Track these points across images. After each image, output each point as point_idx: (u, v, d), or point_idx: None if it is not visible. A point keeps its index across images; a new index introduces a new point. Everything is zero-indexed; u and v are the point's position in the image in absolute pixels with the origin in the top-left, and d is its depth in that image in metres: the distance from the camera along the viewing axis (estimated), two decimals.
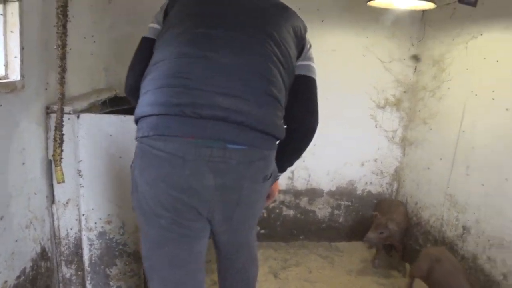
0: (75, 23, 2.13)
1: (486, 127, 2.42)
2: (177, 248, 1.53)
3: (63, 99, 1.87)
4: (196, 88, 1.37)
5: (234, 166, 1.38)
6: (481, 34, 2.49)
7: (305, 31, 1.68)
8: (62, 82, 1.86)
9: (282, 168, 1.71)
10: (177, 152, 1.34)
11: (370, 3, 2.37)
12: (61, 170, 1.93)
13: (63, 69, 1.86)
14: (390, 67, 3.21)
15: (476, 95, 2.52)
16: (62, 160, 1.94)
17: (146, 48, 1.64)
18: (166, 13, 1.63)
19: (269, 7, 1.59)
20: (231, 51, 1.44)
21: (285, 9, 1.63)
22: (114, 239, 2.22)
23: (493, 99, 2.36)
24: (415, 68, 3.24)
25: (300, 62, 1.64)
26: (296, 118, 1.63)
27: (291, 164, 1.77)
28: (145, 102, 1.44)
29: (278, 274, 2.89)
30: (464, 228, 2.56)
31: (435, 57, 2.95)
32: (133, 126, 1.98)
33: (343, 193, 3.44)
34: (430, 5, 2.26)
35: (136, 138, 1.49)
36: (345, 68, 3.17)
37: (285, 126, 1.57)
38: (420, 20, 3.16)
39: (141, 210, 1.50)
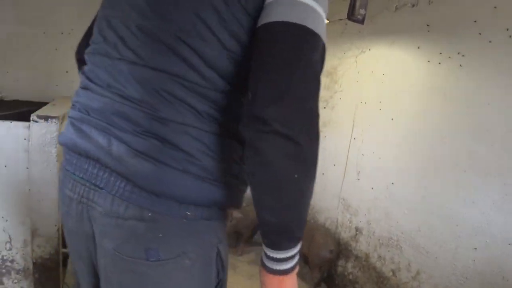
0: None
1: (374, 135, 2.62)
2: None
3: None
4: (81, 116, 1.01)
5: (98, 217, 0.97)
6: (369, 49, 2.70)
7: None
8: None
9: (265, 238, 0.94)
10: (65, 185, 1.05)
11: None
12: None
13: None
14: None
15: (365, 104, 2.72)
16: None
17: None
18: None
19: None
20: (107, 61, 0.99)
21: None
22: (0, 255, 2.04)
23: (380, 109, 2.57)
24: None
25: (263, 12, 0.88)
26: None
27: (270, 227, 0.91)
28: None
29: None
30: (356, 229, 2.74)
31: (328, 69, 3.14)
32: (21, 133, 1.86)
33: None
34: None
35: None
36: None
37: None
38: None
39: None
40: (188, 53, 0.87)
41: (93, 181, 0.95)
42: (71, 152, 1.01)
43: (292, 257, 0.92)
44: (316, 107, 0.85)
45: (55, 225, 2.02)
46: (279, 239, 0.90)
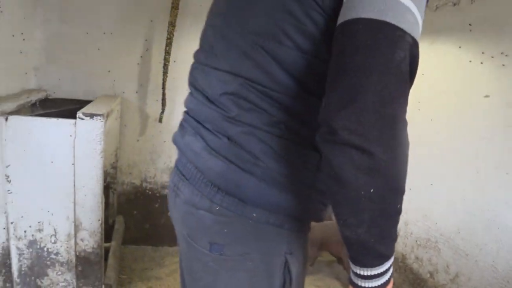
0: (3, 18, 2.03)
1: (413, 135, 2.56)
2: None
3: None
4: (186, 116, 1.13)
5: (180, 204, 1.03)
6: None
7: None
8: None
9: (348, 252, 0.84)
10: (171, 175, 1.16)
11: None
12: None
13: None
14: None
15: None
16: None
17: None
18: None
19: None
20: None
21: None
22: (45, 248, 2.11)
23: (419, 109, 2.54)
24: None
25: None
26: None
27: (349, 242, 0.81)
28: None
29: None
30: None
31: None
32: (67, 130, 1.93)
33: None
34: None
35: None
36: None
37: None
38: None
39: None
40: (263, 58, 0.87)
41: (183, 172, 1.03)
42: (178, 148, 1.11)
43: (379, 275, 0.82)
44: (400, 112, 0.74)
45: (99, 220, 2.08)
46: (361, 256, 0.82)
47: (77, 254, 2.12)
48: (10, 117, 1.91)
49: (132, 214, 3.16)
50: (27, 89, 2.56)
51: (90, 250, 2.13)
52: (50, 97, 2.66)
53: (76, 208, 2.05)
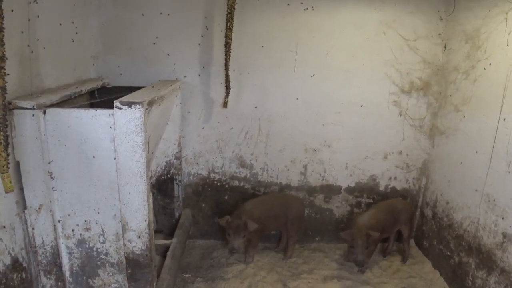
0: (45, 6, 1.89)
1: None
2: None
3: (4, 93, 1.59)
4: None
5: None
6: None
7: None
8: (1, 74, 1.58)
9: None
10: None
11: None
12: (9, 177, 1.66)
13: (1, 58, 1.57)
14: (415, 46, 2.83)
15: None
16: (9, 165, 1.67)
17: None
18: None
19: None
20: None
21: None
22: (94, 248, 2.03)
23: None
24: (445, 46, 2.85)
25: None
26: None
27: None
28: None
29: (288, 282, 2.60)
30: (504, 235, 2.18)
31: (468, 33, 2.57)
32: (106, 121, 1.76)
33: (363, 190, 3.13)
34: None
35: None
36: (364, 48, 2.79)
37: None
38: None
39: None
40: None
41: None
42: None
43: None
44: None
45: (145, 220, 1.92)
46: None
47: (126, 255, 2.00)
48: (49, 110, 1.80)
49: (200, 207, 2.99)
50: (82, 79, 2.44)
51: (138, 252, 1.98)
52: (108, 86, 2.54)
53: (121, 207, 1.90)
